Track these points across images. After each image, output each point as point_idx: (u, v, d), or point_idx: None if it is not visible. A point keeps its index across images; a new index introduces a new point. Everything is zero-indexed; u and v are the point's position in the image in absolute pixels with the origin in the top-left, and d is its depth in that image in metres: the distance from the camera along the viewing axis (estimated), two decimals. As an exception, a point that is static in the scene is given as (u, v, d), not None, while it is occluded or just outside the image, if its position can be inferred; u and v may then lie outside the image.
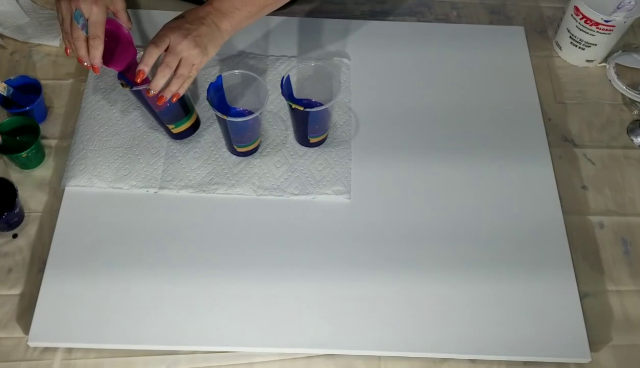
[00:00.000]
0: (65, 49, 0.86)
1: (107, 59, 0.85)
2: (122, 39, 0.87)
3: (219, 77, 0.90)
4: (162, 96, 0.83)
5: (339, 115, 1.00)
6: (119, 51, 0.87)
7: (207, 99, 0.88)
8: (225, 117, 0.86)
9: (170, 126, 0.93)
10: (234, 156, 0.95)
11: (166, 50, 0.82)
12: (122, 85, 0.85)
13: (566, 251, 0.90)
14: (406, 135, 0.99)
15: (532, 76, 1.07)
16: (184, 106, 0.92)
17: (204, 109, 0.99)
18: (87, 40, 0.82)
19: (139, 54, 0.86)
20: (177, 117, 0.92)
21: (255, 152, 0.96)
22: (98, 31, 0.82)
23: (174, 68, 0.82)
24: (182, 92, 0.84)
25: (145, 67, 0.81)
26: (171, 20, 0.84)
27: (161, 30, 0.83)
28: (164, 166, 0.94)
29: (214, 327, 0.82)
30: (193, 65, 0.83)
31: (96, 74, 0.94)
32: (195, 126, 0.96)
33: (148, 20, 1.08)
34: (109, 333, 0.81)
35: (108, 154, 0.94)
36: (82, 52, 0.83)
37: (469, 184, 0.95)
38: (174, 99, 0.84)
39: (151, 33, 0.87)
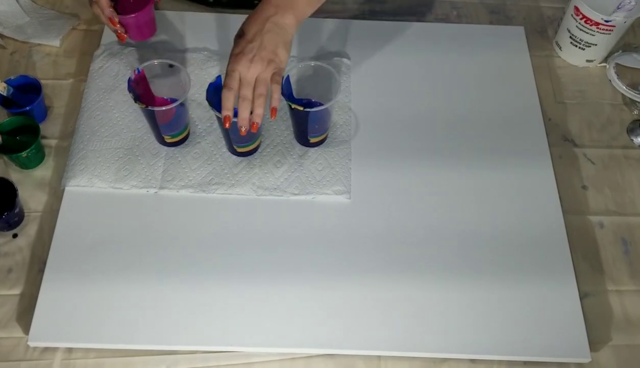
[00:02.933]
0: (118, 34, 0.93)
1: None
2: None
3: (219, 77, 0.89)
4: (253, 123, 0.82)
5: (339, 115, 1.00)
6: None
7: (207, 99, 0.88)
8: (225, 117, 0.86)
9: (167, 137, 0.93)
10: (234, 156, 0.95)
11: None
12: (135, 100, 0.86)
13: (566, 251, 0.90)
14: (406, 134, 0.99)
15: (532, 76, 1.07)
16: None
17: (204, 109, 0.99)
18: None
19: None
20: (179, 130, 0.93)
21: (255, 152, 0.95)
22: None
23: (251, 97, 0.81)
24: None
25: (228, 112, 0.81)
26: (234, 44, 0.83)
27: (229, 62, 0.82)
28: (164, 166, 0.94)
29: (213, 327, 0.82)
30: (270, 77, 0.82)
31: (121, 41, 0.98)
32: (187, 136, 0.96)
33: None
34: (108, 333, 0.81)
35: (108, 155, 0.94)
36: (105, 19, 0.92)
37: (469, 183, 0.95)
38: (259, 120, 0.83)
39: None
